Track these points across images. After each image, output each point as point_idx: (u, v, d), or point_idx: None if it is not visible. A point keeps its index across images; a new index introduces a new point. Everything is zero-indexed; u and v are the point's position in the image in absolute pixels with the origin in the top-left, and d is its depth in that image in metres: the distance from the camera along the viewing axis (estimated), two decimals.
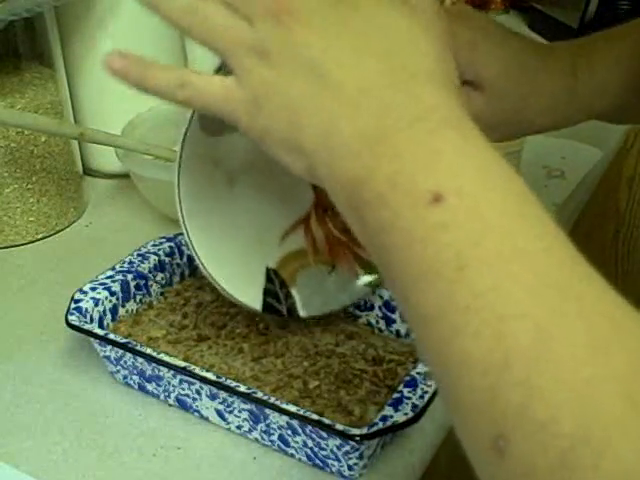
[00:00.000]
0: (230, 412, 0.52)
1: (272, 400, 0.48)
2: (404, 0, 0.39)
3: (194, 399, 0.53)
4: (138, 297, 0.61)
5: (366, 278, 0.57)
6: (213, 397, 0.52)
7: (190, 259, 0.65)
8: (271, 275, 0.55)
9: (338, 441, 0.47)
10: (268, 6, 0.37)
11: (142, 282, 0.61)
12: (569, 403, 0.27)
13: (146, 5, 0.40)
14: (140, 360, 0.54)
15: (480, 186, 0.32)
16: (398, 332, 0.58)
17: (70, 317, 0.55)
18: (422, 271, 0.32)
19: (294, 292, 0.56)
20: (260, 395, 0.48)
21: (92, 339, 0.55)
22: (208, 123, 0.50)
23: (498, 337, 0.29)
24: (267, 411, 0.49)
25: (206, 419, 0.54)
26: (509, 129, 0.56)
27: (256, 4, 0.37)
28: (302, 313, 0.56)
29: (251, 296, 0.54)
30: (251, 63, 0.37)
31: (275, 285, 0.55)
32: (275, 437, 0.50)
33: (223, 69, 0.41)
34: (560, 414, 0.27)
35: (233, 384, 0.49)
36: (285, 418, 0.48)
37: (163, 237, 0.65)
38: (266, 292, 0.55)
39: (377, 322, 0.59)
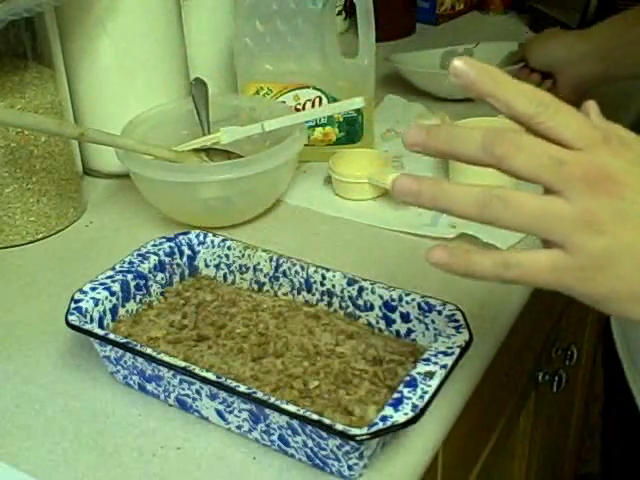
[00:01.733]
0: (230, 412, 0.52)
1: (272, 400, 0.48)
2: None
3: (194, 399, 0.53)
4: (138, 297, 0.61)
5: None
6: (213, 397, 0.52)
7: (190, 259, 0.65)
8: None
9: (338, 441, 0.47)
10: (585, 177, 0.38)
11: (142, 282, 0.61)
12: None
13: (433, 204, 0.41)
14: (140, 360, 0.53)
15: None
16: (398, 332, 0.58)
17: (70, 317, 0.55)
18: None
19: None
20: (260, 395, 0.48)
21: (92, 339, 0.55)
22: None
23: None
24: (267, 411, 0.49)
25: (206, 419, 0.54)
26: None
27: (569, 178, 0.38)
28: None
29: None
30: (581, 236, 0.39)
31: None
32: (275, 437, 0.50)
33: None
34: None
35: (233, 384, 0.49)
36: (285, 418, 0.48)
37: (163, 237, 0.65)
38: None
39: (377, 322, 0.59)
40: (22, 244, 0.76)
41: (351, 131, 0.86)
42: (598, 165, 0.39)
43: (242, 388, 0.49)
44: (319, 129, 0.86)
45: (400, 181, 0.41)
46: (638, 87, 1.01)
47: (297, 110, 0.84)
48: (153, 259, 0.62)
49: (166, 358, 0.52)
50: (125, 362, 0.55)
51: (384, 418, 0.46)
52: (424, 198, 0.41)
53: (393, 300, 0.57)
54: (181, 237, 0.65)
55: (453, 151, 0.41)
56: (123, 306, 0.60)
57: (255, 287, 0.64)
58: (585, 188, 0.38)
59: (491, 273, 0.41)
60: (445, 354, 0.51)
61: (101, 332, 0.54)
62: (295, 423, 0.48)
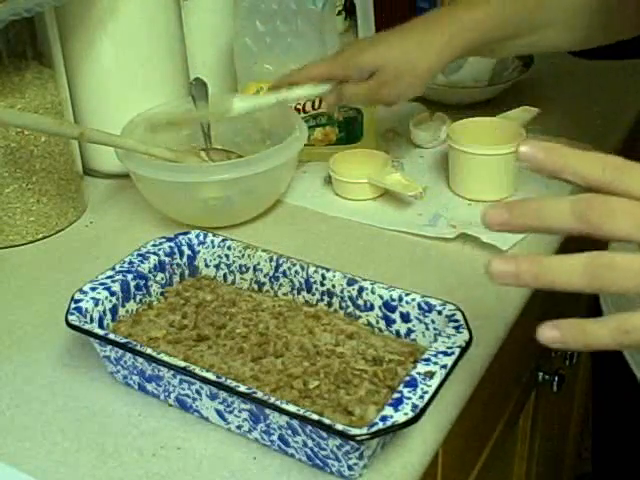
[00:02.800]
0: (230, 412, 0.52)
1: (272, 400, 0.48)
2: None
3: (194, 399, 0.53)
4: (138, 297, 0.61)
5: None
6: (213, 397, 0.52)
7: (190, 259, 0.65)
8: None
9: (338, 441, 0.47)
10: None
11: (142, 282, 0.61)
12: None
13: (535, 283, 0.39)
14: (140, 360, 0.54)
15: None
16: (398, 332, 0.58)
17: (70, 317, 0.55)
18: None
19: None
20: (260, 395, 0.48)
21: (92, 339, 0.56)
22: None
23: None
24: (267, 411, 0.49)
25: (206, 419, 0.54)
26: None
27: None
28: None
29: None
30: None
31: None
32: (275, 437, 0.51)
33: None
34: None
35: (233, 384, 0.49)
36: (285, 418, 0.48)
37: (163, 237, 0.65)
38: None
39: (377, 322, 0.59)
40: (22, 244, 0.76)
41: (351, 131, 0.86)
42: None
43: (242, 388, 0.49)
44: (319, 129, 0.86)
45: (497, 264, 0.40)
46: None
47: (297, 110, 0.84)
48: (153, 259, 0.62)
49: (166, 358, 0.52)
50: (125, 362, 0.55)
51: (384, 418, 0.46)
52: (526, 278, 0.40)
53: (393, 300, 0.57)
54: (181, 237, 0.65)
55: (543, 225, 0.40)
56: (123, 306, 0.60)
57: (255, 287, 0.64)
58: None
59: (612, 342, 0.39)
60: (445, 354, 0.51)
61: (101, 332, 0.54)
62: (295, 423, 0.48)
